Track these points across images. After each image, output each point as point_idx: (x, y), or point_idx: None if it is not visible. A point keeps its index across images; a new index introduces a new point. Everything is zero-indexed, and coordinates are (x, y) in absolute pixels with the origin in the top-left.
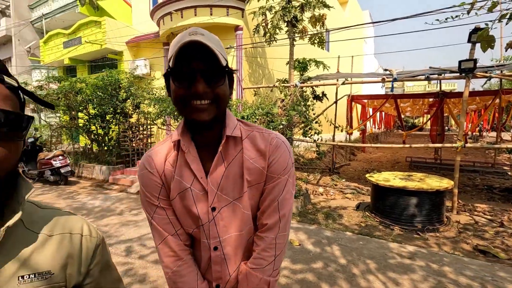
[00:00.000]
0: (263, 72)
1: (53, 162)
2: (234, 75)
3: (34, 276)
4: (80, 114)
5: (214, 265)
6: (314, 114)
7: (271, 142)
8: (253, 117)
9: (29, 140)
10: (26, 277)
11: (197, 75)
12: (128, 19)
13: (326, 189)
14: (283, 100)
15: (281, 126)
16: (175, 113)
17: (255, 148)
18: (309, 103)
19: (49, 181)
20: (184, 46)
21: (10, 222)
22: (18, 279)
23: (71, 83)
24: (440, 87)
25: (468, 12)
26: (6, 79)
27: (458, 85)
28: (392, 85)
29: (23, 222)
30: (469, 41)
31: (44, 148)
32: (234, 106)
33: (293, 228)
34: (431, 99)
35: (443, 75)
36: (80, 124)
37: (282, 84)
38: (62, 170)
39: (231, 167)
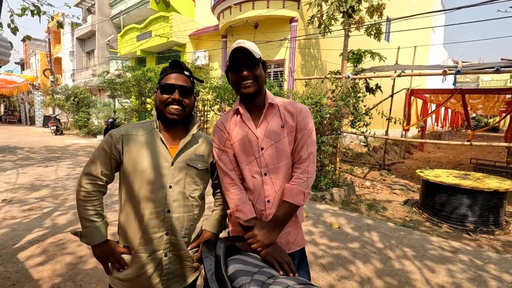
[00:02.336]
0: (315, 63)
1: None
2: (287, 66)
3: (200, 155)
4: (148, 100)
5: (265, 185)
6: (364, 106)
7: (297, 107)
8: None
9: (109, 120)
10: (195, 155)
11: (242, 66)
12: (192, 14)
13: (373, 183)
14: (333, 91)
15: (328, 116)
16: (230, 100)
17: (287, 110)
18: (359, 94)
19: None
20: (234, 51)
21: (191, 132)
22: (194, 154)
23: (143, 72)
24: None
25: None
26: (185, 72)
27: None
28: (455, 78)
29: (194, 135)
30: None
31: None
32: (285, 96)
33: (334, 214)
34: (508, 96)
35: None
36: (148, 108)
37: (334, 76)
38: None
39: (272, 122)
